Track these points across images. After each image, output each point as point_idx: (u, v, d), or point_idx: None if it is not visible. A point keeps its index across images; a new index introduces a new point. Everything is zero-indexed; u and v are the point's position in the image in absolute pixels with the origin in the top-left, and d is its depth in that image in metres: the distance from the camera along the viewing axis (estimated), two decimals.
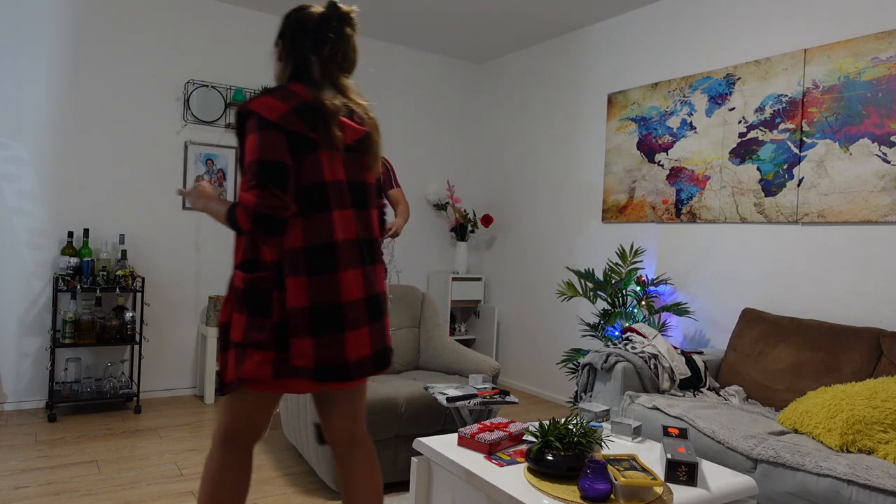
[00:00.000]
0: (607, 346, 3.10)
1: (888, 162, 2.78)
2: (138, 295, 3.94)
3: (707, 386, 2.96)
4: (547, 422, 1.88)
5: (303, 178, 1.56)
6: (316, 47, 1.65)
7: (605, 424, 2.32)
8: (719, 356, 3.17)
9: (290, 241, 1.55)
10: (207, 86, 4.20)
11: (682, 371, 2.92)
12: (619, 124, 4.08)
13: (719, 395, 2.87)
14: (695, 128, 3.61)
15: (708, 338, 3.52)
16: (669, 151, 3.75)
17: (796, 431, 2.35)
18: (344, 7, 1.69)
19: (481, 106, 5.42)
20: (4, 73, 3.64)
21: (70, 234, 3.71)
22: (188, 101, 4.13)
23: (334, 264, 1.57)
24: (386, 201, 1.81)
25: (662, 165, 3.78)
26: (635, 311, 3.55)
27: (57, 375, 3.72)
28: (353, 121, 1.66)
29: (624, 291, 3.59)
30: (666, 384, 2.87)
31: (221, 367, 1.60)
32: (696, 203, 3.58)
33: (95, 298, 3.74)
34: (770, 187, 3.22)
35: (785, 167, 3.16)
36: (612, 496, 1.64)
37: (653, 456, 2.04)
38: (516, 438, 2.06)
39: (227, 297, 1.61)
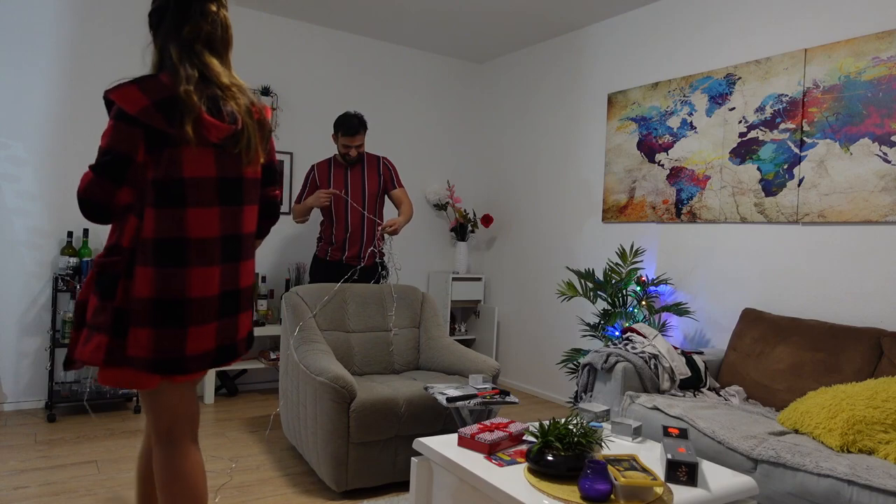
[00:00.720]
0: (607, 346, 3.10)
1: (889, 162, 2.77)
2: None
3: (707, 386, 2.96)
4: (547, 422, 1.88)
5: (158, 171, 1.54)
6: (175, 30, 1.58)
7: (605, 424, 2.31)
8: (719, 356, 3.17)
9: (144, 231, 1.55)
10: None
11: (683, 371, 2.91)
12: (620, 124, 4.08)
13: (719, 396, 2.86)
14: (695, 128, 3.61)
15: (708, 338, 3.52)
16: (670, 151, 3.74)
17: (797, 432, 2.35)
18: None
19: (481, 106, 5.42)
20: (4, 73, 3.63)
21: (70, 234, 3.71)
22: None
23: (183, 259, 1.56)
24: (277, 192, 1.83)
25: (662, 165, 3.78)
26: (635, 311, 3.54)
27: (56, 375, 3.72)
28: (224, 115, 1.61)
29: (624, 291, 3.59)
30: (666, 384, 2.87)
31: (71, 344, 1.61)
32: (696, 203, 3.57)
33: None
34: (770, 187, 3.22)
35: (785, 167, 3.16)
36: (612, 496, 1.64)
37: (653, 456, 2.04)
38: (516, 438, 2.06)
39: (88, 278, 1.62)
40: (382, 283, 3.58)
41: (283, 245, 4.55)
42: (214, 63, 1.62)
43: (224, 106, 1.62)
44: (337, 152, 3.76)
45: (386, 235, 3.71)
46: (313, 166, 3.80)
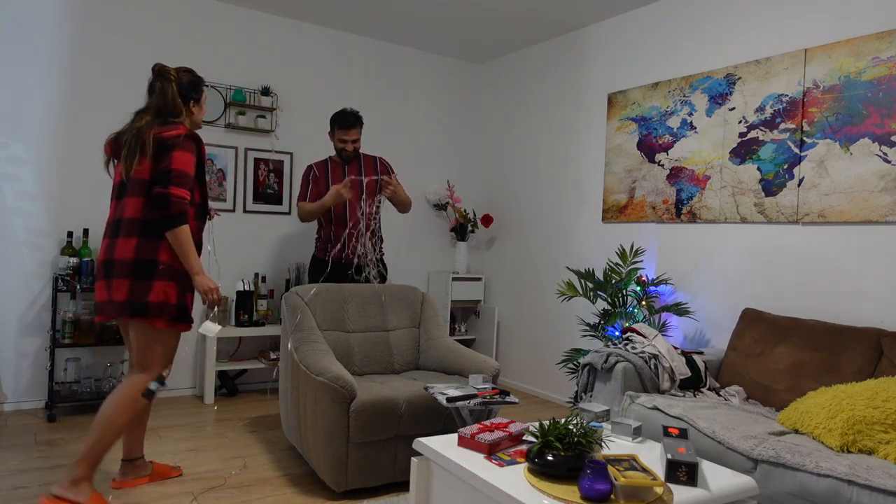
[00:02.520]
0: (607, 346, 3.10)
1: (889, 162, 2.77)
2: None
3: (707, 386, 2.96)
4: (547, 422, 1.88)
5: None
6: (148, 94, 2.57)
7: (605, 424, 2.31)
8: (719, 356, 3.17)
9: None
10: (207, 85, 4.19)
11: (683, 371, 2.91)
12: (620, 124, 4.08)
13: (719, 396, 2.86)
14: (695, 128, 3.61)
15: (708, 338, 3.52)
16: (670, 151, 3.74)
17: (797, 432, 2.35)
18: (158, 65, 2.54)
19: (481, 106, 5.42)
20: (4, 73, 3.63)
21: (70, 234, 3.71)
22: None
23: (104, 234, 2.49)
24: (161, 190, 2.37)
25: (662, 165, 3.78)
26: (635, 311, 3.54)
27: (56, 375, 3.72)
28: (119, 140, 2.50)
29: (624, 291, 3.59)
30: (666, 384, 2.87)
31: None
32: (696, 203, 3.57)
33: None
34: (770, 187, 3.22)
35: (785, 167, 3.16)
36: (612, 496, 1.64)
37: (653, 456, 2.04)
38: (516, 438, 2.06)
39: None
40: (375, 282, 3.58)
41: (283, 245, 4.55)
42: (145, 114, 2.50)
43: (121, 136, 2.50)
44: (334, 151, 3.77)
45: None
46: (311, 166, 3.78)
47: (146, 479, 2.70)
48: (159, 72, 2.53)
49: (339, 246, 3.69)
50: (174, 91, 2.52)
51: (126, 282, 2.37)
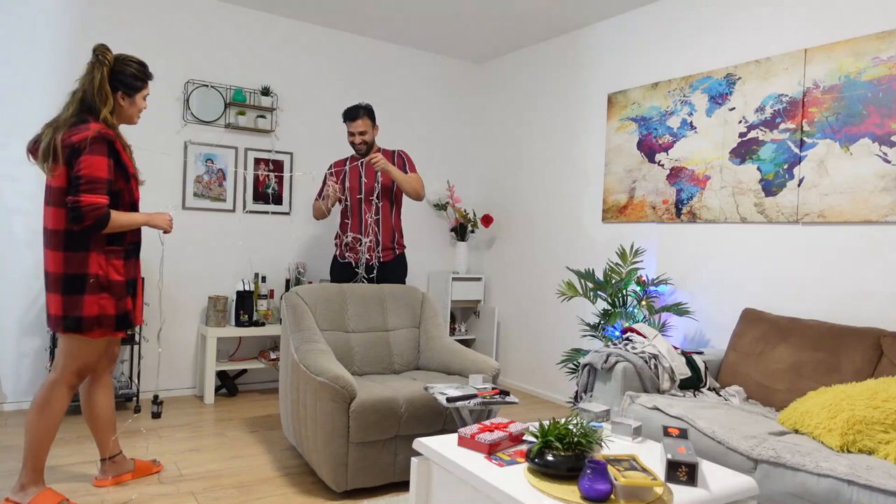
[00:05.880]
0: (607, 346, 3.10)
1: (889, 162, 2.77)
2: None
3: (707, 386, 2.96)
4: (547, 422, 1.88)
5: None
6: None
7: (605, 425, 2.31)
8: (719, 356, 3.17)
9: None
10: (207, 86, 4.20)
11: (683, 371, 2.91)
12: (620, 124, 4.08)
13: (720, 396, 2.86)
14: (695, 128, 3.61)
15: (708, 338, 3.52)
16: (670, 151, 3.74)
17: (797, 432, 2.35)
18: (98, 46, 2.37)
19: (481, 106, 5.42)
20: (4, 72, 3.63)
21: None
22: (188, 100, 4.13)
23: None
24: (72, 199, 2.27)
25: (662, 165, 3.78)
26: (635, 311, 3.54)
27: None
28: (37, 145, 2.35)
29: (624, 291, 3.59)
30: (666, 384, 2.87)
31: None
32: (696, 203, 3.57)
33: None
34: (770, 187, 3.22)
35: (785, 167, 3.16)
36: (612, 496, 1.64)
37: (653, 456, 2.04)
38: (516, 438, 2.06)
39: None
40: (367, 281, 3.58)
41: (283, 245, 4.55)
42: (62, 114, 2.37)
43: (38, 141, 2.36)
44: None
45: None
46: (331, 164, 3.88)
47: (129, 476, 2.71)
48: (95, 52, 2.37)
49: (346, 246, 3.71)
50: (103, 76, 2.36)
51: (58, 297, 2.32)
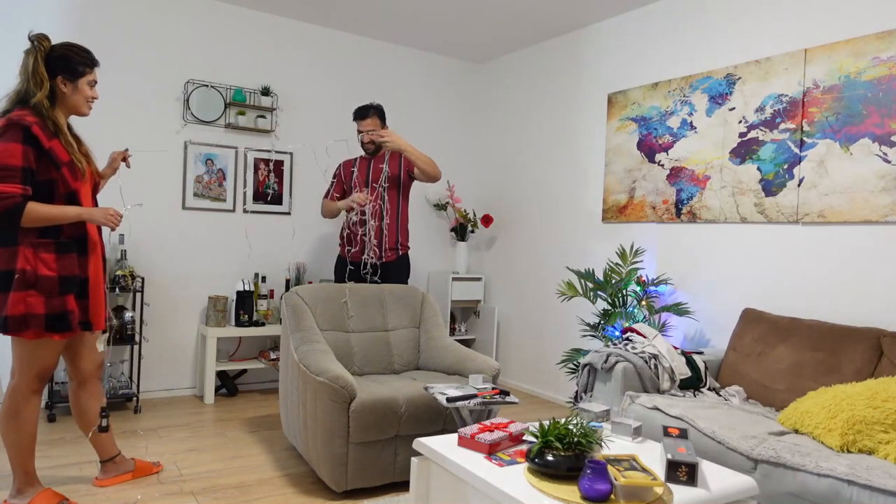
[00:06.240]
0: (607, 346, 3.10)
1: (889, 162, 2.77)
2: (138, 295, 3.94)
3: (707, 386, 2.96)
4: (547, 422, 1.88)
5: None
6: None
7: (605, 425, 2.31)
8: (719, 356, 3.17)
9: None
10: (207, 86, 4.20)
11: (683, 371, 2.91)
12: (620, 124, 4.08)
13: (719, 396, 2.86)
14: (695, 128, 3.61)
15: (708, 338, 3.52)
16: (670, 151, 3.74)
17: (797, 432, 2.35)
18: (34, 34, 2.29)
19: (481, 106, 5.41)
20: (3, 72, 3.63)
21: None
22: (188, 100, 4.13)
23: None
24: None
25: (662, 165, 3.78)
26: (635, 311, 3.54)
27: (56, 376, 3.71)
28: None
29: (624, 291, 3.59)
30: (666, 384, 2.87)
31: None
32: (696, 203, 3.57)
33: None
34: (770, 187, 3.22)
35: (785, 167, 3.16)
36: (612, 496, 1.64)
37: (653, 456, 2.04)
38: (516, 439, 2.06)
39: None
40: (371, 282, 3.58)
41: (283, 245, 4.55)
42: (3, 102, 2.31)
43: None
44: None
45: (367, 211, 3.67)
46: (340, 163, 3.90)
47: (129, 476, 2.71)
48: (31, 39, 2.26)
49: (349, 244, 3.71)
50: (37, 60, 2.23)
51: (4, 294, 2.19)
